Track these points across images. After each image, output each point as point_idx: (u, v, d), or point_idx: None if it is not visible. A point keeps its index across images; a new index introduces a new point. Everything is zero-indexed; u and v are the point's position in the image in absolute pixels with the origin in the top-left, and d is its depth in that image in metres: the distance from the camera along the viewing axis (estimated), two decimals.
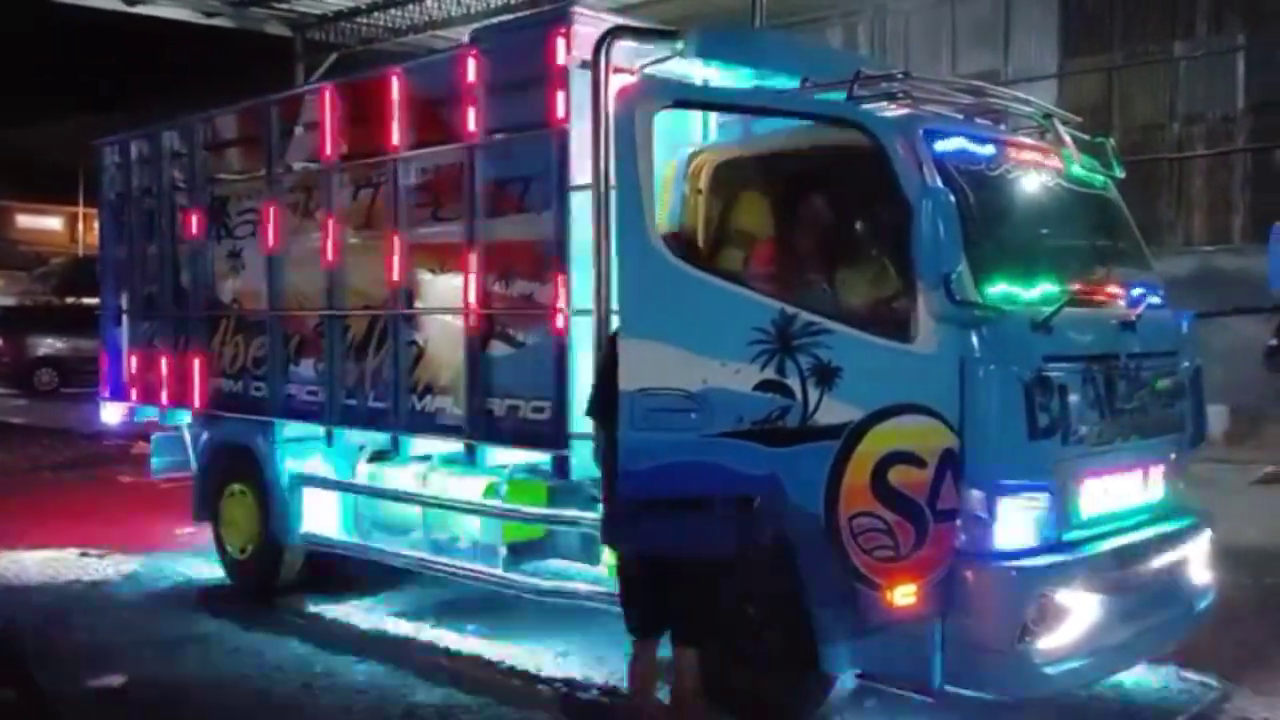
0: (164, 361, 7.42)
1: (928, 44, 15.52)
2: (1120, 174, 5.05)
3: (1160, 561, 4.49)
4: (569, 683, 5.08)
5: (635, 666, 4.22)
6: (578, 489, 5.14)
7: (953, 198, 3.82)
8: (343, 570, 6.63)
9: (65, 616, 6.17)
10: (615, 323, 4.37)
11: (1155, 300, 4.77)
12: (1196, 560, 4.74)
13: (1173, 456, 4.75)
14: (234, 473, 6.82)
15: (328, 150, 6.21)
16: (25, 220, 36.84)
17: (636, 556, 4.09)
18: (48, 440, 14.44)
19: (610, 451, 4.15)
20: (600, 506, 5.01)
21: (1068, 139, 4.79)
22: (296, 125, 6.52)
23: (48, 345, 22.58)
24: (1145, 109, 14.22)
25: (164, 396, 7.42)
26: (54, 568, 7.30)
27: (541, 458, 5.20)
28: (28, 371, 22.39)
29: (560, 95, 4.92)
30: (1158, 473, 4.65)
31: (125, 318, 7.85)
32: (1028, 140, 4.79)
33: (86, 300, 20.28)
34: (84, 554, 7.68)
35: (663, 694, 4.28)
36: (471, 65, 5.37)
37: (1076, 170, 4.78)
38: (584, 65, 4.72)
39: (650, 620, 4.18)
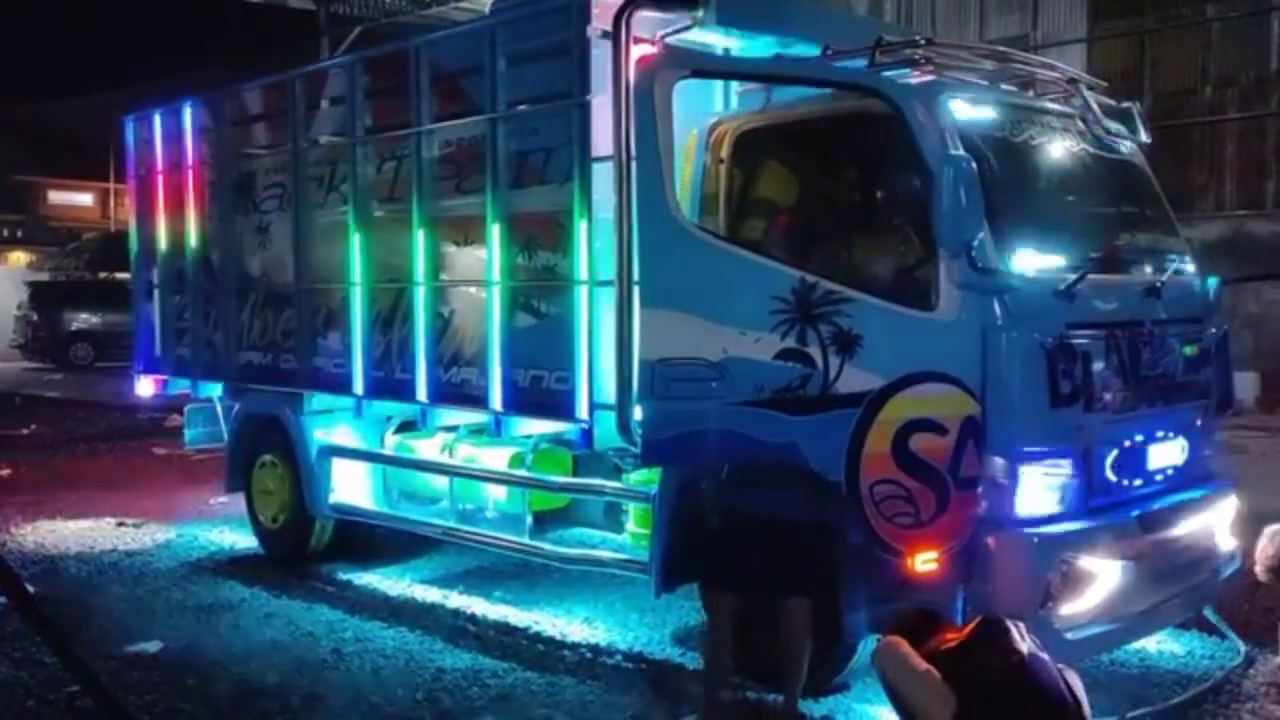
0: (195, 334, 7.52)
1: (955, 10, 15.34)
2: (1147, 139, 4.99)
3: (1185, 528, 4.48)
4: (594, 648, 5.15)
5: (718, 623, 4.15)
6: (601, 459, 5.19)
7: (974, 164, 3.81)
8: (372, 539, 6.74)
9: (103, 584, 6.31)
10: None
11: (1181, 266, 4.73)
12: (1222, 527, 4.73)
13: (1198, 423, 4.73)
14: (265, 444, 6.91)
15: (353, 124, 6.24)
16: (57, 196, 37.09)
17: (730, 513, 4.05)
18: (83, 413, 14.70)
19: None
20: (623, 476, 5.07)
21: (1093, 104, 4.74)
22: (321, 99, 6.56)
23: (82, 320, 22.94)
24: (1177, 73, 13.99)
25: (195, 369, 7.53)
26: (91, 537, 7.45)
27: (566, 428, 5.25)
28: (63, 346, 22.76)
29: (581, 66, 4.92)
30: (1183, 440, 4.63)
31: (157, 292, 7.95)
32: (1052, 106, 4.74)
33: (119, 275, 20.53)
34: (120, 524, 7.84)
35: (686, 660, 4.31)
36: (493, 37, 5.37)
37: (1101, 136, 4.73)
38: (605, 35, 4.71)
39: (730, 573, 4.12)
